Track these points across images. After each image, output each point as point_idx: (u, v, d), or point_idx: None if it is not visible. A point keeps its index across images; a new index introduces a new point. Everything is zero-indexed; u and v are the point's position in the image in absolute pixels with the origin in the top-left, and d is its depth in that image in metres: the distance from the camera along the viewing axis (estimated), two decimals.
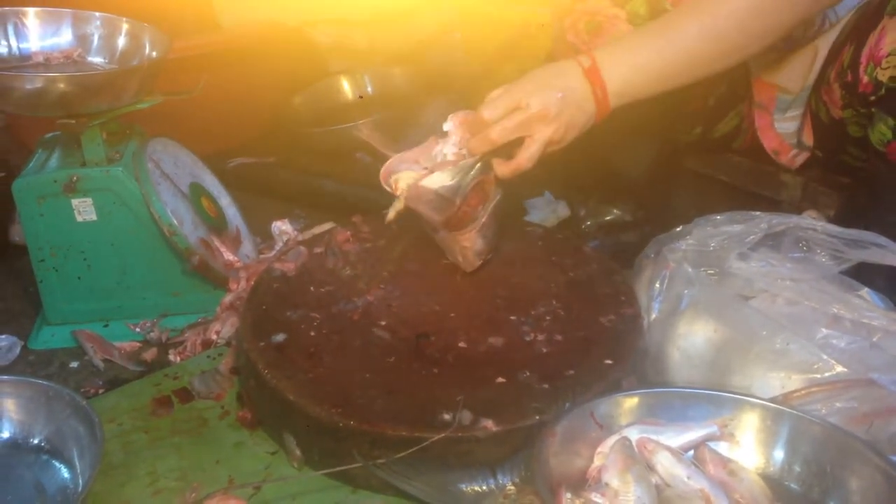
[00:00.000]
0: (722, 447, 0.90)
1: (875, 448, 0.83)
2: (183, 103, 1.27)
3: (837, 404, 0.87)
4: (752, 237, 1.05)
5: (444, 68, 1.96)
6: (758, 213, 1.08)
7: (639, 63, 1.06)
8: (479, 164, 1.08)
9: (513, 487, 0.86)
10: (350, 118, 1.81)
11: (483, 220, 1.10)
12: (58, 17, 1.30)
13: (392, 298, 1.12)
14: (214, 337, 1.22)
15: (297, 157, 1.78)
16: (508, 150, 1.07)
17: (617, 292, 1.10)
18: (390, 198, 1.10)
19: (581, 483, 0.85)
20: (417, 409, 0.92)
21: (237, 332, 1.16)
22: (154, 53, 1.27)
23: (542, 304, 1.09)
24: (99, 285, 1.27)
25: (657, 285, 1.05)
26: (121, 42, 1.31)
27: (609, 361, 0.98)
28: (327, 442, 0.93)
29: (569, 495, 0.80)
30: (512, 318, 1.07)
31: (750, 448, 0.90)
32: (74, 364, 1.23)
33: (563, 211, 1.51)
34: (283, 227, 1.37)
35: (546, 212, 1.50)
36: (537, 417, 0.90)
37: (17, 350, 1.25)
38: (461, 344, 1.03)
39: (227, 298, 1.26)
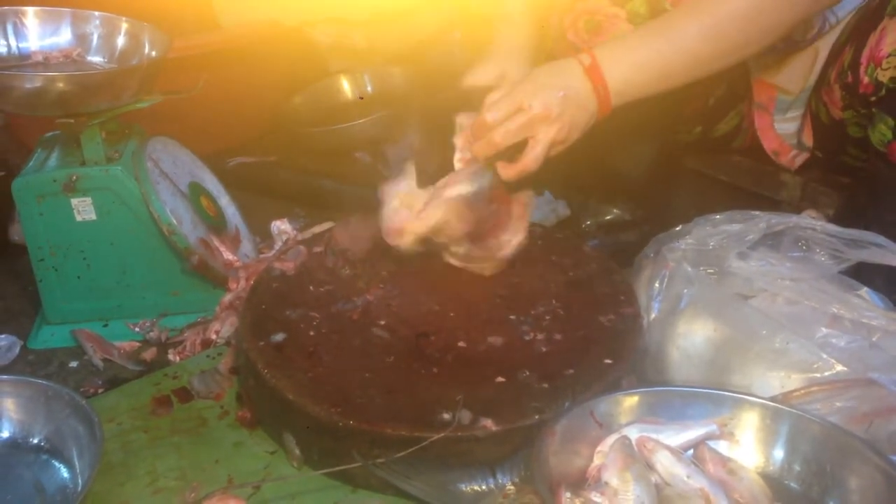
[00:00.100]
0: (721, 446, 0.89)
1: (874, 447, 0.83)
2: (182, 103, 1.27)
3: (837, 403, 0.87)
4: (751, 237, 1.05)
5: (444, 68, 1.96)
6: (757, 212, 1.08)
7: (639, 62, 1.05)
8: (490, 170, 1.08)
9: (512, 487, 0.86)
10: (350, 118, 1.81)
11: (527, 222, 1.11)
12: (57, 16, 1.30)
13: (391, 298, 1.12)
14: (214, 336, 1.21)
15: (296, 156, 1.79)
16: (512, 152, 1.07)
17: (616, 292, 1.10)
18: None
19: (581, 482, 0.84)
20: (417, 408, 0.92)
21: (236, 332, 1.16)
22: (153, 53, 1.27)
23: (542, 303, 1.09)
24: (98, 285, 1.27)
25: (657, 285, 1.05)
26: (120, 41, 1.31)
27: (609, 361, 0.98)
28: (327, 441, 0.93)
29: (568, 494, 0.79)
30: (511, 317, 1.07)
31: (749, 447, 0.90)
32: (74, 363, 1.23)
33: (563, 210, 1.50)
34: (282, 227, 1.37)
35: (546, 211, 1.50)
36: (537, 417, 0.90)
37: (17, 349, 1.25)
38: (461, 343, 1.03)
39: (227, 298, 1.26)
